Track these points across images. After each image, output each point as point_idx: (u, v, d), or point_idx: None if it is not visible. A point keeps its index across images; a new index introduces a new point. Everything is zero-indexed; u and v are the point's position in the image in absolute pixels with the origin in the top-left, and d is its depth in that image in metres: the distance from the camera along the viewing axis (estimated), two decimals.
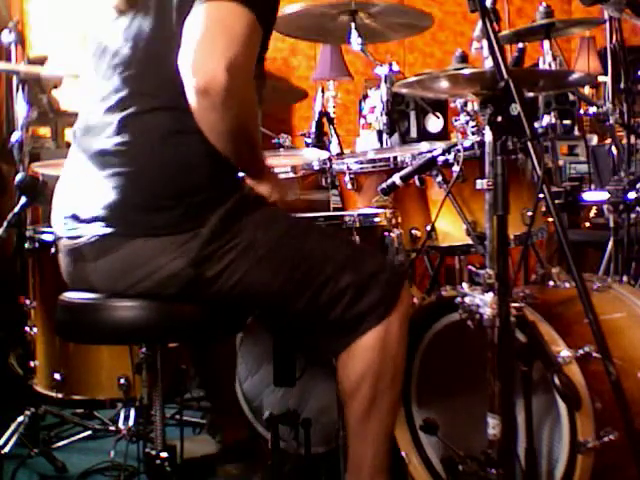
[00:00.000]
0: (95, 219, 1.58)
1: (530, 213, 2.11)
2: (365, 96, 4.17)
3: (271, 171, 1.80)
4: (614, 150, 2.69)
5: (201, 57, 1.45)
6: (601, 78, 3.27)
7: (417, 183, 2.20)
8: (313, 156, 2.59)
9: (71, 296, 1.68)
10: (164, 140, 1.56)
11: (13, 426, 2.52)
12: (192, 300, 1.60)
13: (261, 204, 1.69)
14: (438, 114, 4.06)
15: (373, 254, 1.71)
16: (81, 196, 1.62)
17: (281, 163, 2.59)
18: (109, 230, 1.56)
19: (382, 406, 1.68)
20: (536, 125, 2.50)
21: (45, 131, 4.11)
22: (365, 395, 1.65)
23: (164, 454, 1.72)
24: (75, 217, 1.62)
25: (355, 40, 2.68)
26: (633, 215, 2.54)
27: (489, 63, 1.45)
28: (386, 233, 2.01)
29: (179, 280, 1.56)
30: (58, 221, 1.69)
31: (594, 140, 4.13)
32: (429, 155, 2.11)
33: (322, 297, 1.62)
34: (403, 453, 1.98)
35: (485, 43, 1.45)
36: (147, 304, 1.58)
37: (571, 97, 4.07)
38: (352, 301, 1.62)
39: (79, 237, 1.61)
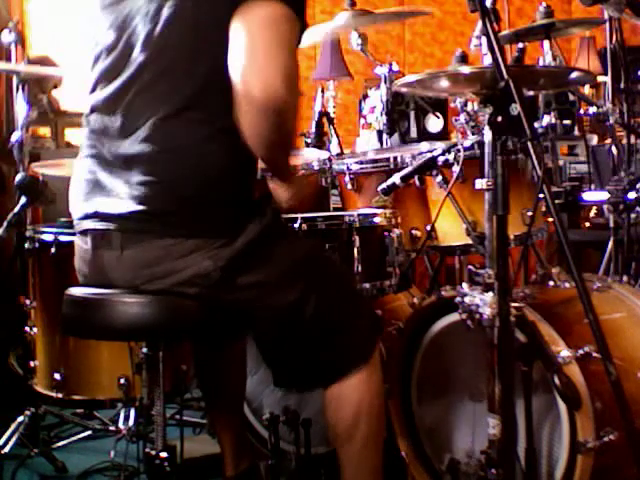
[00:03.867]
0: (124, 216, 1.55)
1: (530, 213, 2.11)
2: (365, 96, 4.17)
3: (296, 175, 1.80)
4: (614, 150, 2.69)
5: (261, 69, 1.43)
6: (601, 78, 3.27)
7: (417, 183, 2.20)
8: (313, 156, 2.59)
9: (76, 291, 1.67)
10: (198, 149, 1.53)
11: (13, 426, 2.52)
12: (210, 303, 1.59)
13: (285, 224, 1.74)
14: (438, 114, 4.06)
15: (363, 306, 1.77)
16: (107, 197, 1.58)
17: None
18: (140, 224, 1.54)
19: (375, 444, 1.70)
20: (536, 125, 2.50)
21: (45, 131, 4.11)
22: (361, 436, 1.67)
23: (164, 454, 1.72)
24: (101, 214, 1.59)
25: (355, 40, 2.68)
26: (633, 215, 2.54)
27: (488, 59, 1.45)
28: (386, 233, 2.02)
29: (207, 280, 1.55)
30: (79, 202, 1.66)
31: (594, 140, 4.13)
32: (429, 155, 2.11)
33: (322, 325, 1.64)
34: (403, 453, 1.98)
35: (484, 39, 1.45)
36: (153, 301, 1.57)
37: (571, 97, 4.07)
38: (339, 338, 1.65)
39: (106, 227, 1.58)
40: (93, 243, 1.62)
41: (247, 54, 1.45)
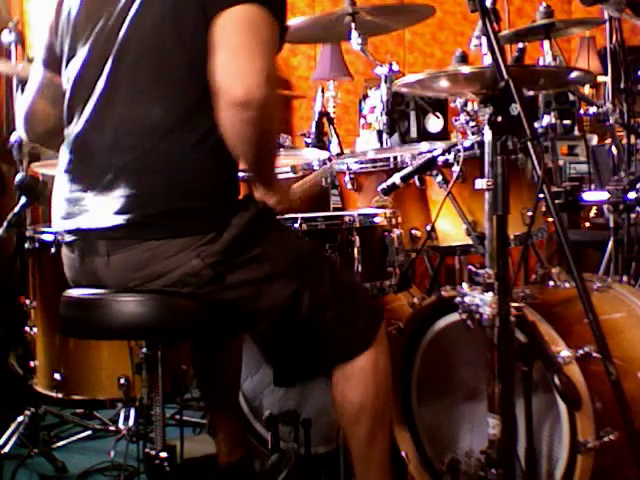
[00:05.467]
0: (108, 222, 1.55)
1: (530, 213, 2.11)
2: (365, 96, 4.17)
3: (278, 179, 1.81)
4: (614, 150, 2.69)
5: (241, 69, 1.45)
6: (601, 78, 3.27)
7: (417, 183, 2.20)
8: (313, 156, 2.59)
9: (74, 292, 1.67)
10: (179, 159, 1.53)
11: (13, 426, 2.52)
12: (205, 302, 1.60)
13: (275, 217, 1.73)
14: (438, 114, 4.06)
15: (364, 295, 1.79)
16: (87, 213, 1.59)
17: (281, 163, 2.60)
18: (124, 232, 1.54)
19: (382, 430, 1.72)
20: (536, 125, 2.50)
21: None
22: (367, 423, 1.68)
23: (164, 454, 1.72)
24: (83, 230, 1.60)
25: (355, 40, 2.68)
26: (633, 215, 2.54)
27: (488, 59, 1.45)
28: (386, 233, 2.02)
29: (198, 279, 1.55)
30: (60, 218, 1.67)
31: (594, 140, 4.13)
32: (429, 155, 2.11)
33: (318, 319, 1.65)
34: (403, 453, 1.98)
35: (484, 39, 1.45)
36: (151, 300, 1.57)
37: (571, 97, 4.07)
38: (338, 329, 1.66)
39: (88, 234, 1.59)
40: (80, 252, 1.63)
41: (228, 56, 1.47)
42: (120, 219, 1.53)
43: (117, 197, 1.54)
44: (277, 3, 1.54)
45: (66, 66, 1.68)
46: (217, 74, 1.47)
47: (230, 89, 1.45)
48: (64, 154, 1.68)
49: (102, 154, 1.57)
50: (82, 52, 1.63)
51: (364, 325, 1.68)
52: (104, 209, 1.56)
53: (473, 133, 2.14)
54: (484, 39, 1.46)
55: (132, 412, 2.50)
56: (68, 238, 1.66)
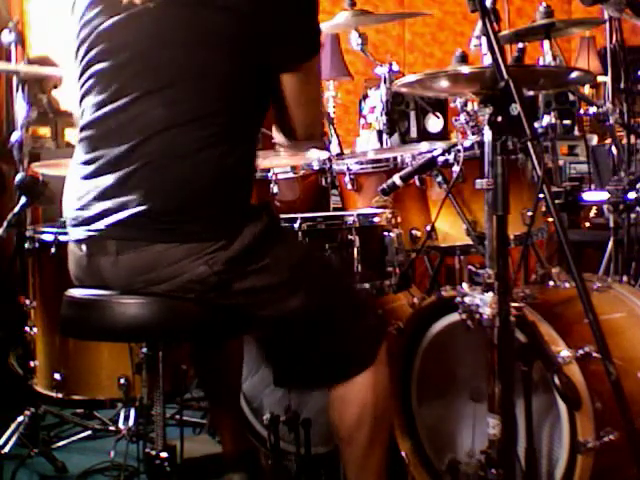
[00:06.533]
0: (119, 222, 1.54)
1: (530, 213, 2.11)
2: (365, 96, 4.17)
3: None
4: (614, 150, 2.69)
5: (307, 121, 1.69)
6: (601, 78, 3.27)
7: (417, 183, 2.20)
8: (313, 156, 2.59)
9: (76, 293, 1.67)
10: (192, 158, 1.52)
11: (13, 426, 2.52)
12: (208, 306, 1.59)
13: (283, 228, 1.78)
14: (438, 114, 4.06)
15: (366, 308, 1.78)
16: (99, 206, 1.58)
17: (281, 163, 2.60)
18: (132, 234, 1.54)
19: (379, 445, 1.71)
20: (536, 125, 2.50)
21: (45, 131, 4.10)
22: (363, 440, 1.67)
23: (164, 454, 1.72)
24: (94, 222, 1.59)
25: (355, 40, 2.68)
26: (633, 215, 2.54)
27: (488, 59, 1.45)
28: (386, 233, 2.02)
29: (203, 286, 1.54)
30: (71, 213, 1.66)
31: (594, 140, 4.13)
32: (429, 155, 2.11)
33: (323, 330, 1.65)
34: (403, 453, 1.98)
35: (484, 39, 1.45)
36: (152, 302, 1.57)
37: (571, 97, 4.07)
38: (342, 344, 1.66)
39: (99, 234, 1.58)
40: (88, 250, 1.61)
41: (300, 112, 1.66)
42: (129, 218, 1.53)
43: (124, 196, 1.53)
44: (318, 39, 1.65)
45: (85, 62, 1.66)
46: (293, 125, 1.68)
47: (305, 138, 1.71)
48: (77, 149, 1.67)
49: (111, 152, 1.57)
50: (100, 49, 1.62)
51: (367, 340, 1.68)
52: (114, 203, 1.55)
53: (473, 133, 2.14)
54: (484, 39, 1.46)
55: (132, 412, 2.50)
56: (77, 235, 1.64)
